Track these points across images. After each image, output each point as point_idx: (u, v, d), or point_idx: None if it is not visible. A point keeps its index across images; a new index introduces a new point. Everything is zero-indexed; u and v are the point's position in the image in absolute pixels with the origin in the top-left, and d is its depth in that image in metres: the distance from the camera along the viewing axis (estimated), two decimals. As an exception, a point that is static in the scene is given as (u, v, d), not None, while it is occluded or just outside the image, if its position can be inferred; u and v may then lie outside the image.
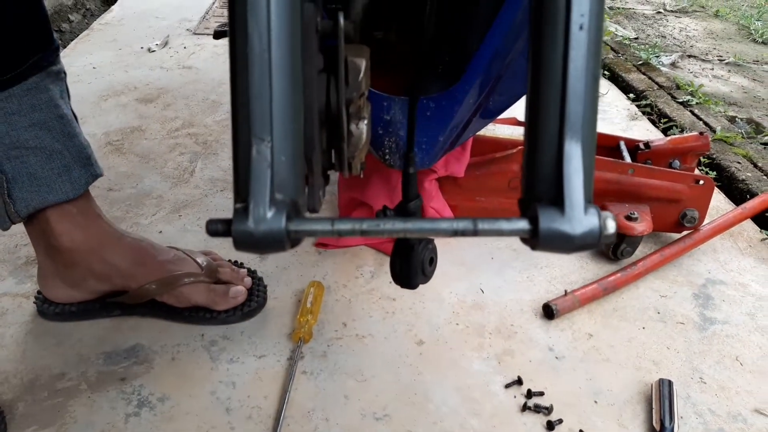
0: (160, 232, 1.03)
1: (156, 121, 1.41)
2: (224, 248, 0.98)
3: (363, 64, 0.47)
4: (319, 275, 0.94)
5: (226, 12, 2.18)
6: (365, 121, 0.50)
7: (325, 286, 0.91)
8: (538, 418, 0.74)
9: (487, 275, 0.96)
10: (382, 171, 0.97)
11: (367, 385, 0.77)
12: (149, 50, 1.83)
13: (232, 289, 0.83)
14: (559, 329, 0.87)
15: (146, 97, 1.52)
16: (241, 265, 0.91)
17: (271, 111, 0.34)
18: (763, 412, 0.77)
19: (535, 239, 0.34)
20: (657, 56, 2.08)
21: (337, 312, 0.88)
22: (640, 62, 1.93)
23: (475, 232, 0.35)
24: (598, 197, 1.01)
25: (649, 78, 1.81)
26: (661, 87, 1.75)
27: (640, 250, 1.02)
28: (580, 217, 0.34)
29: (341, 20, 0.42)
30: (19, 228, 0.81)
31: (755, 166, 1.33)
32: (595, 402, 0.76)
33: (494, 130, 1.03)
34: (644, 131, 1.50)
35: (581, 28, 0.34)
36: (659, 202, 1.01)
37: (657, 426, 0.72)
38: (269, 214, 0.34)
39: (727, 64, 2.11)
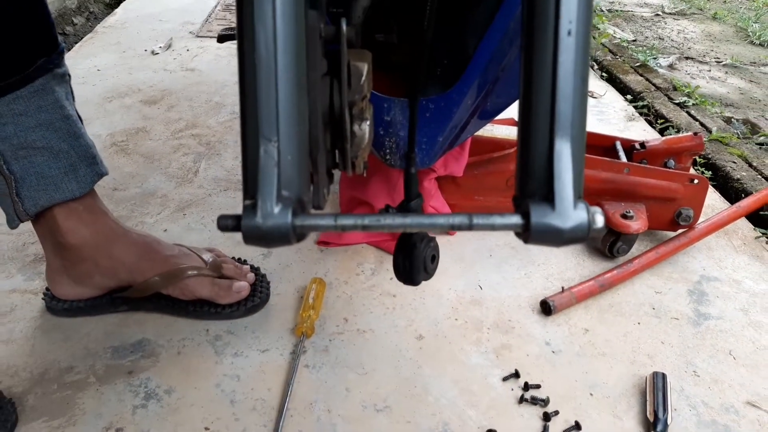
0: (165, 230, 1.05)
1: (160, 122, 1.43)
2: (228, 246, 1.00)
3: (365, 67, 0.49)
4: (321, 272, 0.97)
5: (228, 15, 2.20)
6: (367, 122, 0.52)
7: (326, 282, 0.93)
8: (534, 410, 0.76)
9: (485, 272, 0.99)
10: (382, 171, 0.99)
11: (368, 378, 0.79)
12: (153, 53, 1.85)
13: (235, 283, 0.85)
14: (555, 324, 0.89)
15: (150, 99, 1.54)
16: (245, 262, 0.93)
17: (277, 113, 0.36)
18: (755, 404, 0.79)
19: (527, 233, 0.36)
20: (655, 58, 2.10)
21: (338, 308, 0.90)
22: (638, 64, 1.95)
23: (471, 227, 0.37)
24: (595, 196, 1.03)
25: (647, 79, 1.84)
26: (658, 88, 1.77)
27: (636, 248, 1.04)
28: (569, 212, 0.36)
29: (344, 26, 0.44)
30: (26, 226, 0.83)
31: (750, 165, 1.36)
32: (591, 394, 0.78)
33: (492, 130, 1.05)
34: (641, 132, 1.52)
35: (569, 33, 0.36)
36: (655, 201, 1.03)
37: (650, 417, 0.74)
38: (276, 209, 0.36)
39: (724, 65, 2.13)
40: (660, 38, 2.39)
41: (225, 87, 1.62)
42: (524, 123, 0.38)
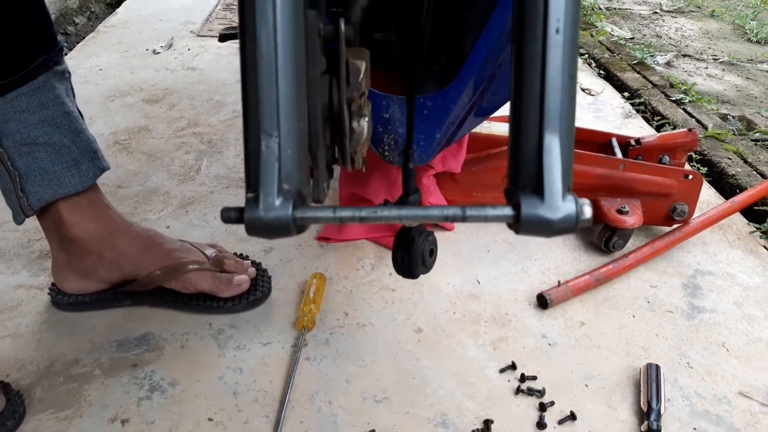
0: (168, 227, 1.07)
1: (162, 120, 1.45)
2: (230, 242, 1.02)
3: (363, 65, 0.50)
4: (322, 267, 0.98)
5: (228, 14, 2.22)
6: (366, 119, 0.53)
7: (327, 277, 0.95)
8: (531, 401, 0.77)
9: (483, 267, 1.00)
10: (381, 168, 1.01)
11: (367, 370, 0.81)
12: (154, 52, 1.86)
13: (235, 277, 0.86)
14: (552, 318, 0.90)
15: (152, 98, 1.56)
16: (246, 258, 0.95)
17: (278, 109, 0.38)
18: (747, 394, 0.80)
19: (518, 224, 0.38)
20: (652, 56, 2.11)
21: (338, 302, 0.91)
22: (635, 61, 1.97)
23: (464, 218, 0.39)
24: (591, 192, 1.04)
25: (644, 77, 1.85)
26: (655, 86, 1.79)
27: (632, 243, 1.05)
28: (558, 204, 0.38)
29: (342, 26, 0.46)
30: (32, 223, 0.84)
31: (745, 161, 1.37)
32: (586, 386, 0.80)
33: (489, 127, 1.07)
34: (638, 128, 1.53)
35: (557, 31, 0.37)
36: (650, 197, 1.04)
37: (644, 407, 0.75)
38: (277, 202, 0.37)
39: (721, 63, 2.15)
40: (657, 36, 2.41)
41: (226, 86, 1.64)
42: (515, 118, 0.39)
